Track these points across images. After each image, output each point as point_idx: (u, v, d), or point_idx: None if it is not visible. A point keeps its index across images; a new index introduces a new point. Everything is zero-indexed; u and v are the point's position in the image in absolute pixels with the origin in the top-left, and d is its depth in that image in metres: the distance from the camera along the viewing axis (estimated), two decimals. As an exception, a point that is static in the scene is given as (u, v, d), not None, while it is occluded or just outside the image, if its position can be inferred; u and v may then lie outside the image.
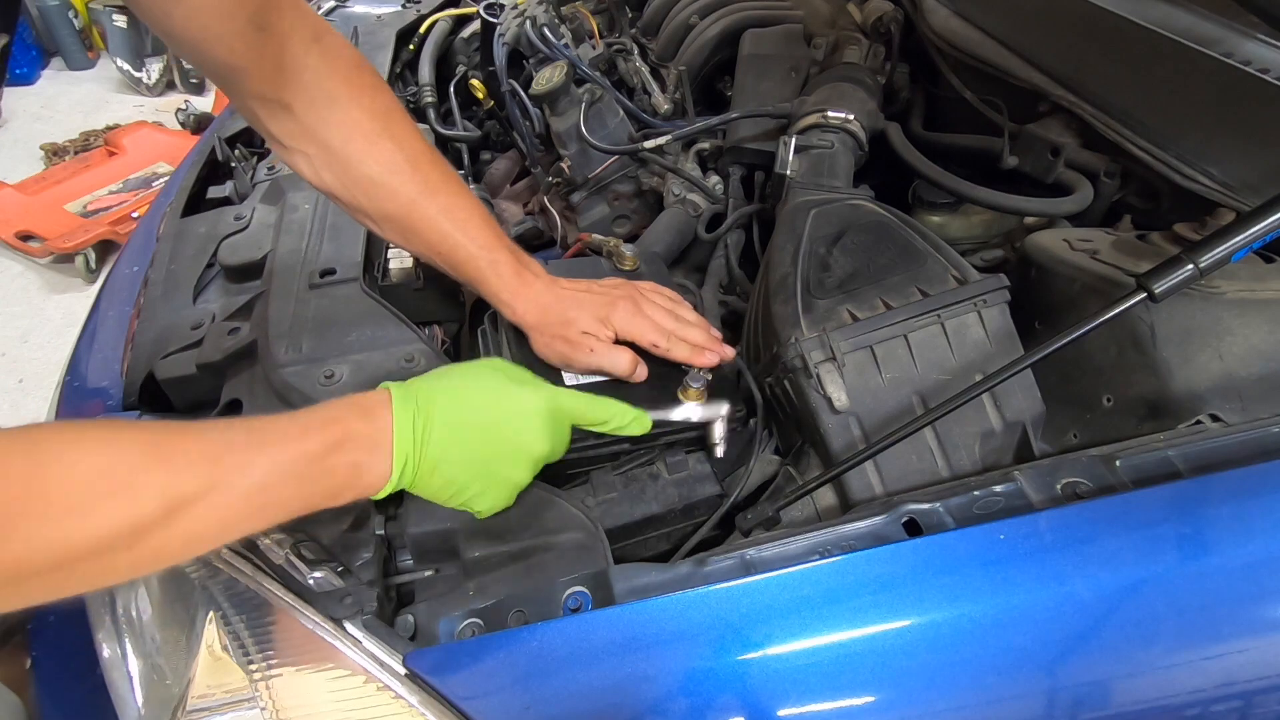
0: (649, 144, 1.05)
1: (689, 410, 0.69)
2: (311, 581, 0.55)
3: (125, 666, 0.59)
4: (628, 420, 0.64)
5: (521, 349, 0.76)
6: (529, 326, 0.73)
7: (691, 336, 0.74)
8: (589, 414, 0.63)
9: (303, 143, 0.67)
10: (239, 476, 0.47)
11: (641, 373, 0.72)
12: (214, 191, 1.11)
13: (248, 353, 0.79)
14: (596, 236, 0.99)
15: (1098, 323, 0.58)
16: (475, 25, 1.56)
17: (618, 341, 0.72)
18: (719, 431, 0.70)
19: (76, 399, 0.88)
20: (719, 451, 0.71)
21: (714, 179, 1.09)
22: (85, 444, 0.43)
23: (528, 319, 0.73)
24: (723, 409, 0.70)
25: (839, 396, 0.65)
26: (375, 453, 0.53)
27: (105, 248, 2.75)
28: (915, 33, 1.08)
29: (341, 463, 0.51)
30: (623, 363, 0.71)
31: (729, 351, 0.75)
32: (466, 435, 0.56)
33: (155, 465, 0.44)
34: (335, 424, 0.52)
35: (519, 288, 0.73)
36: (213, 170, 1.18)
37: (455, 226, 0.71)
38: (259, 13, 0.59)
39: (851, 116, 0.91)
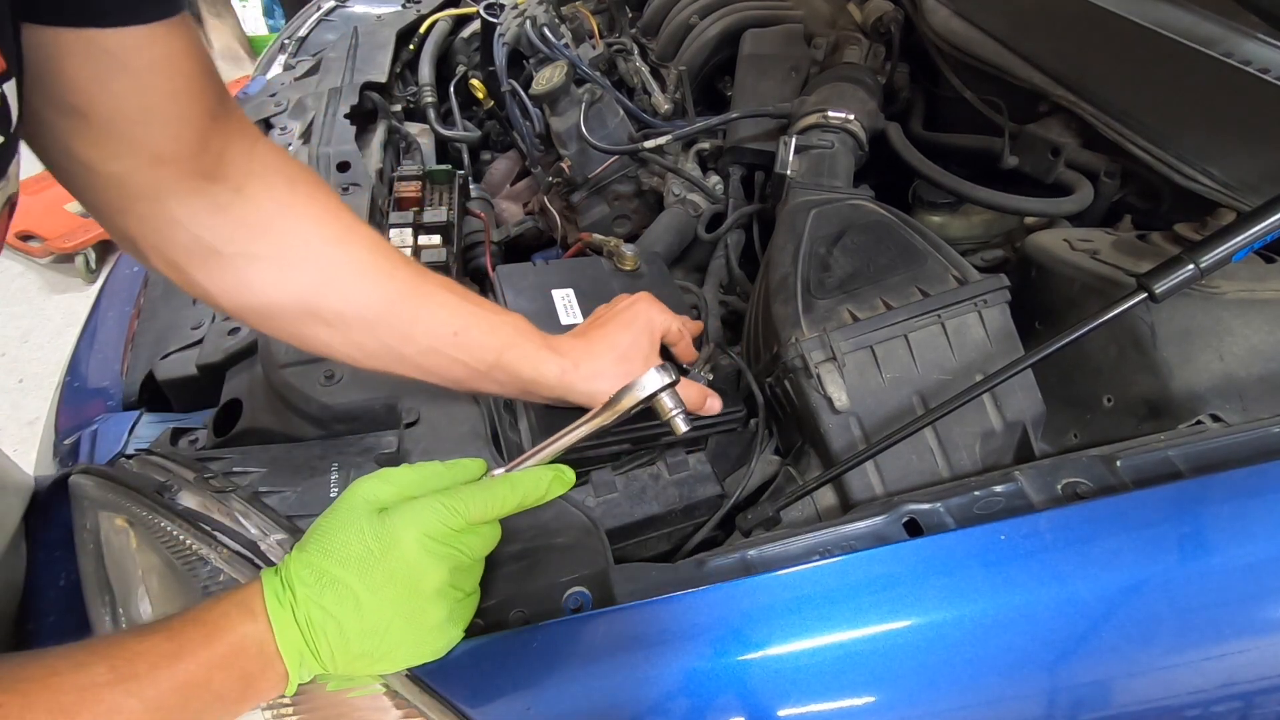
0: (649, 144, 1.05)
1: (632, 393, 0.59)
2: (312, 582, 0.54)
3: (125, 666, 0.59)
4: (544, 486, 0.55)
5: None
6: (584, 378, 0.64)
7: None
8: (489, 508, 0.52)
9: (257, 241, 0.53)
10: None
11: (715, 404, 0.68)
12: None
13: (248, 353, 0.79)
14: (596, 236, 1.00)
15: (1098, 323, 0.58)
16: (475, 25, 1.56)
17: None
18: (669, 404, 0.62)
19: (76, 399, 0.88)
20: (681, 426, 0.62)
21: (714, 179, 1.09)
22: None
23: (580, 369, 0.64)
24: (665, 379, 0.60)
25: (839, 396, 0.65)
26: (264, 657, 0.45)
27: (105, 248, 2.75)
28: (915, 33, 1.08)
29: (230, 680, 0.44)
30: (694, 394, 0.67)
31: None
32: (353, 607, 0.47)
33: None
34: (216, 637, 0.44)
35: (551, 341, 0.65)
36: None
37: (463, 298, 0.61)
38: (215, 101, 0.50)
39: (852, 116, 0.91)
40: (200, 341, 0.83)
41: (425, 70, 1.44)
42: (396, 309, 0.58)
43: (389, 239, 0.80)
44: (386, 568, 0.48)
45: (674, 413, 0.62)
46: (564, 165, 1.14)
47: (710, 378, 0.74)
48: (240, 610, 0.45)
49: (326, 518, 0.50)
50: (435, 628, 0.50)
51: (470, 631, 0.53)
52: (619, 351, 0.67)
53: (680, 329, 0.74)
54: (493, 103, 1.47)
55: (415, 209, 1.02)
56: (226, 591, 0.47)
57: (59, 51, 0.42)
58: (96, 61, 0.43)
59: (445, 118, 1.41)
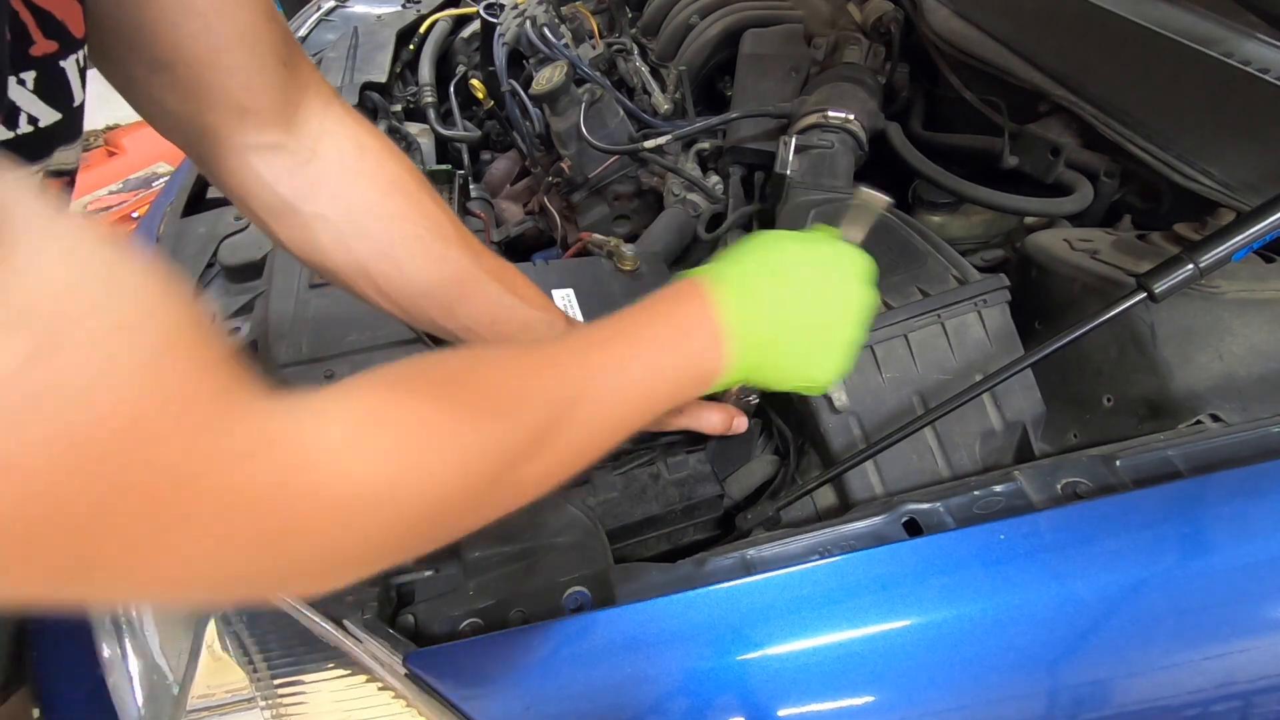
0: (649, 144, 1.05)
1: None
2: (312, 582, 0.54)
3: (125, 666, 0.59)
4: None
5: None
6: None
7: None
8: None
9: (325, 202, 0.55)
10: (611, 375, 0.44)
11: (741, 424, 0.68)
12: (214, 191, 1.11)
13: (247, 353, 0.79)
14: (596, 236, 1.00)
15: (1098, 323, 0.58)
16: (475, 25, 1.56)
17: None
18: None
19: (76, 399, 0.87)
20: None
21: (714, 179, 1.09)
22: (480, 360, 0.41)
23: None
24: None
25: (839, 396, 0.65)
26: (714, 341, 0.48)
27: (105, 248, 2.75)
28: (915, 33, 1.08)
29: (692, 349, 0.48)
30: (716, 420, 0.65)
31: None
32: (799, 310, 0.51)
33: (536, 373, 0.41)
34: (672, 314, 0.48)
35: None
36: (213, 170, 1.18)
37: (507, 289, 0.63)
38: (284, 46, 0.52)
39: (852, 116, 0.90)
40: (200, 341, 0.83)
41: (425, 70, 1.44)
42: (443, 289, 0.61)
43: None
44: (843, 287, 0.52)
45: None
46: (564, 165, 1.14)
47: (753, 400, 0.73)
48: (688, 299, 0.49)
49: (768, 246, 0.53)
50: (855, 343, 0.53)
51: (470, 631, 0.53)
52: None
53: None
54: (493, 103, 1.47)
55: (415, 209, 1.02)
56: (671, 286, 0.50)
57: (136, 2, 0.45)
58: (168, 5, 0.45)
59: (445, 118, 1.41)
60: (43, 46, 0.38)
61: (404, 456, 0.33)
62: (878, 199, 0.61)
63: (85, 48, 0.42)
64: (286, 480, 0.29)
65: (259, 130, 0.52)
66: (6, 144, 0.37)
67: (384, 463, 0.32)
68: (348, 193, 0.56)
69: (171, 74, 0.48)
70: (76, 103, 0.41)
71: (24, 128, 0.38)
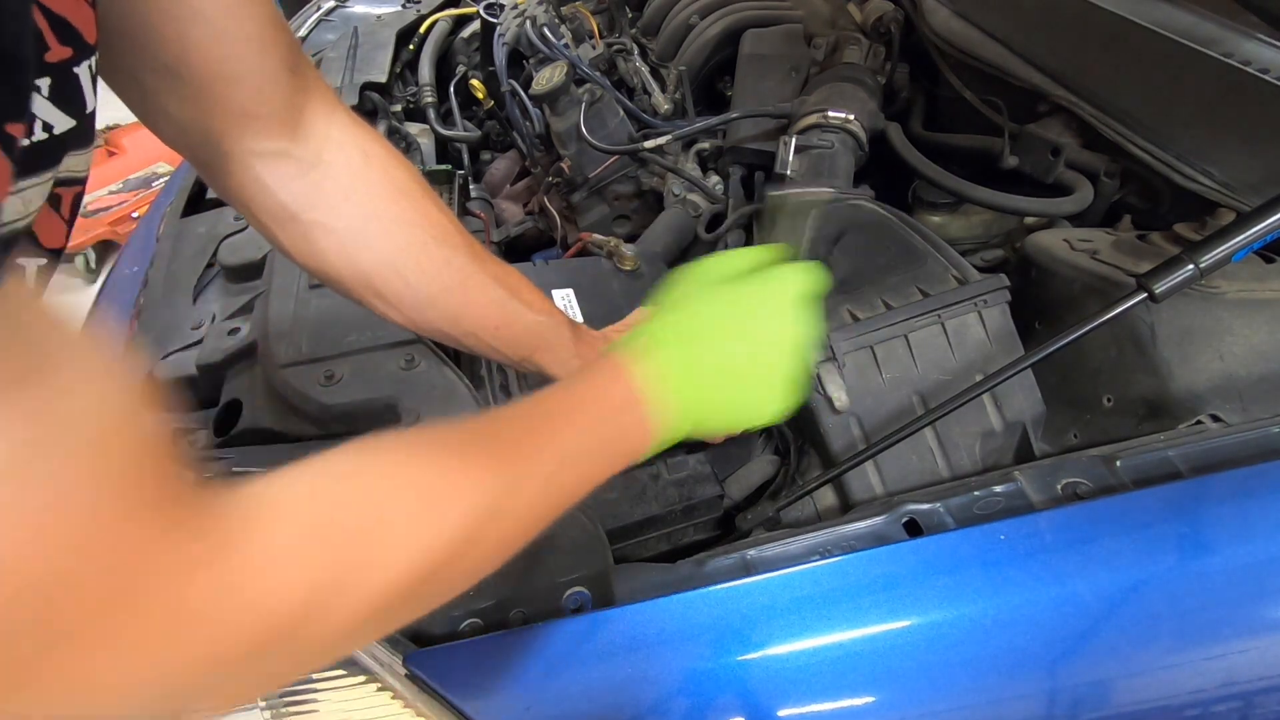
0: (649, 144, 1.05)
1: None
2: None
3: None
4: None
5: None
6: None
7: None
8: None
9: (329, 209, 0.55)
10: (540, 463, 0.43)
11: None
12: (214, 191, 1.11)
13: (248, 353, 0.79)
14: (597, 236, 1.00)
15: (1098, 323, 0.58)
16: (475, 25, 1.56)
17: None
18: None
19: (76, 399, 0.87)
20: None
21: (714, 179, 1.09)
22: (416, 452, 0.38)
23: None
24: None
25: (839, 396, 0.65)
26: (638, 419, 0.47)
27: (105, 248, 2.74)
28: (915, 33, 1.08)
29: (615, 431, 0.46)
30: None
31: None
32: (727, 359, 0.48)
33: (471, 464, 0.39)
34: (594, 400, 0.46)
35: (587, 352, 0.67)
36: (213, 170, 1.18)
37: (511, 294, 0.63)
38: (291, 53, 0.51)
39: (852, 116, 0.90)
40: (200, 341, 0.83)
41: (425, 70, 1.44)
42: (448, 296, 0.60)
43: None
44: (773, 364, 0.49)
45: None
46: (564, 165, 1.14)
47: None
48: (613, 379, 0.46)
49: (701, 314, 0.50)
50: (783, 390, 0.50)
51: (470, 631, 0.53)
52: None
53: None
54: (493, 103, 1.47)
55: (415, 209, 1.02)
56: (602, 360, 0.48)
57: (146, 9, 0.44)
58: (177, 12, 0.45)
59: (445, 118, 1.41)
60: (58, 52, 0.38)
61: (353, 554, 0.33)
62: (807, 197, 0.58)
63: (96, 54, 0.41)
64: (236, 590, 0.29)
65: (265, 137, 0.52)
66: (20, 150, 0.36)
67: (333, 565, 0.32)
68: (352, 199, 0.55)
69: (179, 80, 0.47)
70: (89, 109, 0.41)
71: (39, 134, 0.37)
